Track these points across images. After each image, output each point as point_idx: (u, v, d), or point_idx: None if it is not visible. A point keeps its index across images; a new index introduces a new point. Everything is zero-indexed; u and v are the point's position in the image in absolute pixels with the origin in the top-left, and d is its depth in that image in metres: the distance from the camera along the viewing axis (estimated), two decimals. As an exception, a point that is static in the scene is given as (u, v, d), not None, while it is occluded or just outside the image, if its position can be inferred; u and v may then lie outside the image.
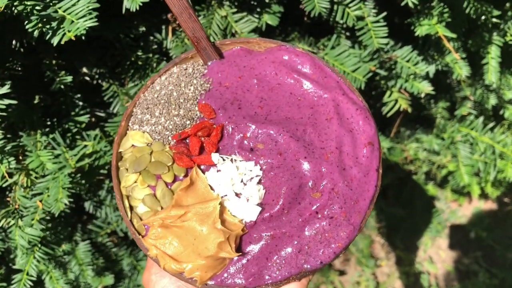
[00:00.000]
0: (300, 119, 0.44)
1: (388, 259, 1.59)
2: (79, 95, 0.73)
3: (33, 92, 0.73)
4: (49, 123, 0.72)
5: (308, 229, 0.42)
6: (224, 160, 0.43)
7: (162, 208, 0.43)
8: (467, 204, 1.65)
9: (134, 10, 0.59)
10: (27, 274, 0.70)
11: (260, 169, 0.43)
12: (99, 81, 0.77)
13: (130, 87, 0.75)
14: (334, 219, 0.42)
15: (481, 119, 0.97)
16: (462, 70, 0.82)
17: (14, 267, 0.73)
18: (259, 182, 0.43)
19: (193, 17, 0.43)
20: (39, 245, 0.72)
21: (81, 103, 0.73)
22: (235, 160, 0.43)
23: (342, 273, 1.55)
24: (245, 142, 0.44)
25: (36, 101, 0.72)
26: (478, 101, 1.04)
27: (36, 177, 0.67)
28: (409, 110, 0.85)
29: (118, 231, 0.89)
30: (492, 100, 1.00)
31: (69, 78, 0.68)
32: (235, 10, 0.72)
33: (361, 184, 0.43)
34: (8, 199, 0.72)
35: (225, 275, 0.42)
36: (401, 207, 1.45)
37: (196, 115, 0.45)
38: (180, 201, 0.42)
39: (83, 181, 0.68)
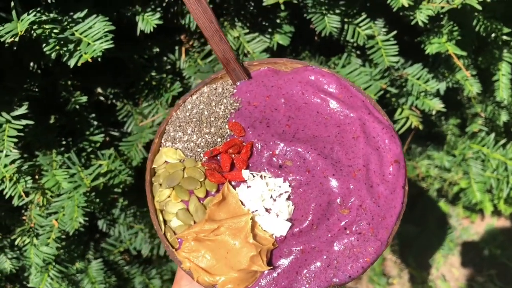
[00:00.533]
0: (327, 137, 0.46)
1: (400, 277, 1.57)
2: (93, 115, 0.74)
3: (49, 112, 0.74)
4: (64, 142, 0.73)
5: (336, 244, 0.43)
6: (254, 176, 0.45)
7: (194, 222, 0.44)
8: (480, 221, 1.63)
9: (148, 31, 0.61)
10: (41, 292, 0.70)
11: (289, 186, 0.44)
12: (114, 101, 0.78)
13: (144, 107, 0.76)
14: (362, 234, 0.43)
15: (492, 135, 0.96)
16: (473, 87, 0.83)
17: (28, 285, 0.73)
18: (288, 198, 0.44)
19: (223, 39, 0.46)
20: (54, 264, 0.72)
21: (95, 123, 0.74)
22: (264, 176, 0.45)
23: (353, 291, 1.52)
24: (274, 159, 0.45)
25: (51, 121, 0.73)
26: (489, 118, 1.03)
27: (51, 196, 0.68)
28: (420, 127, 0.85)
29: (131, 249, 0.88)
30: (504, 117, 0.99)
31: (84, 98, 0.69)
32: (247, 31, 0.74)
33: (388, 201, 0.44)
34: (24, 217, 0.72)
35: (256, 288, 0.43)
36: (413, 224, 1.44)
37: (227, 133, 0.47)
38: (213, 216, 0.43)
39: (98, 200, 0.69)
